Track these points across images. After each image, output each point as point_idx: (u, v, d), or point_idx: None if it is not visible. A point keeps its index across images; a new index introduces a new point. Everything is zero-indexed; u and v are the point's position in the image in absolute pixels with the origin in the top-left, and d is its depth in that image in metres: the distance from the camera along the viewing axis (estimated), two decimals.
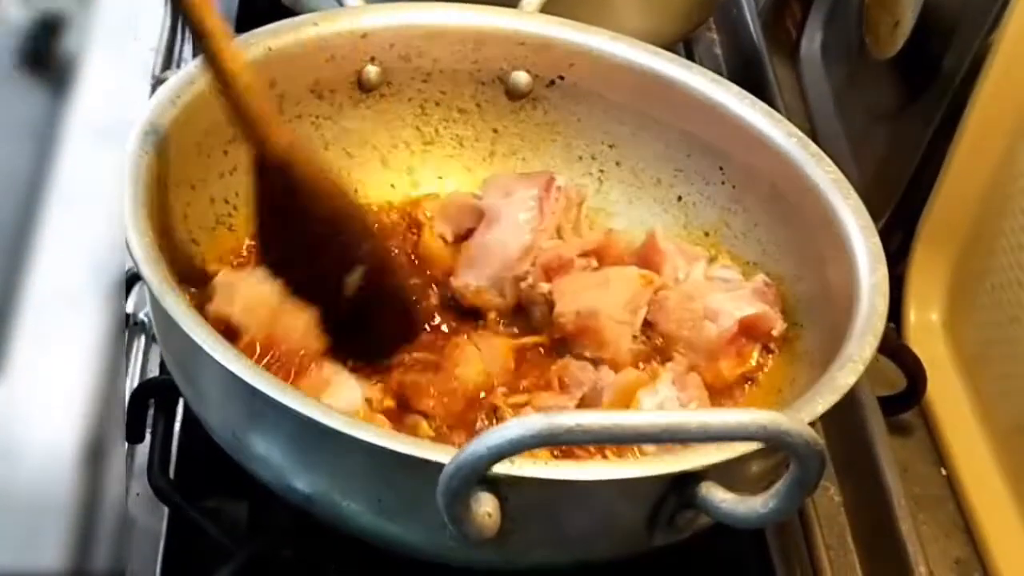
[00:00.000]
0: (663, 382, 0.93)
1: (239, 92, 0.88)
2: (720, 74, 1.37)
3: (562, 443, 0.71)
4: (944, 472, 1.09)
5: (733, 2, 1.44)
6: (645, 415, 0.80)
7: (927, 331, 1.16)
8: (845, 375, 0.82)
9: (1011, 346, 1.07)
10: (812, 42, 1.41)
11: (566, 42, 1.05)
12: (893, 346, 1.10)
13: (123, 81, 1.18)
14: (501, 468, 0.71)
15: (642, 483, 0.77)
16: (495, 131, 1.09)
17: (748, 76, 1.37)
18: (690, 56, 1.41)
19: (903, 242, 1.17)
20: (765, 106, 1.02)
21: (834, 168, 0.97)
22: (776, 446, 0.72)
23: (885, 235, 1.16)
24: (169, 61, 1.27)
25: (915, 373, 1.10)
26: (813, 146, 0.99)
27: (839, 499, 1.04)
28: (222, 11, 1.31)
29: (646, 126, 1.06)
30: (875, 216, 1.17)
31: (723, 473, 0.76)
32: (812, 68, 1.40)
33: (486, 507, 0.73)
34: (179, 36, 1.30)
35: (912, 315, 1.17)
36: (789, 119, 1.30)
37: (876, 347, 0.84)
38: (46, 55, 1.21)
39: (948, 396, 1.12)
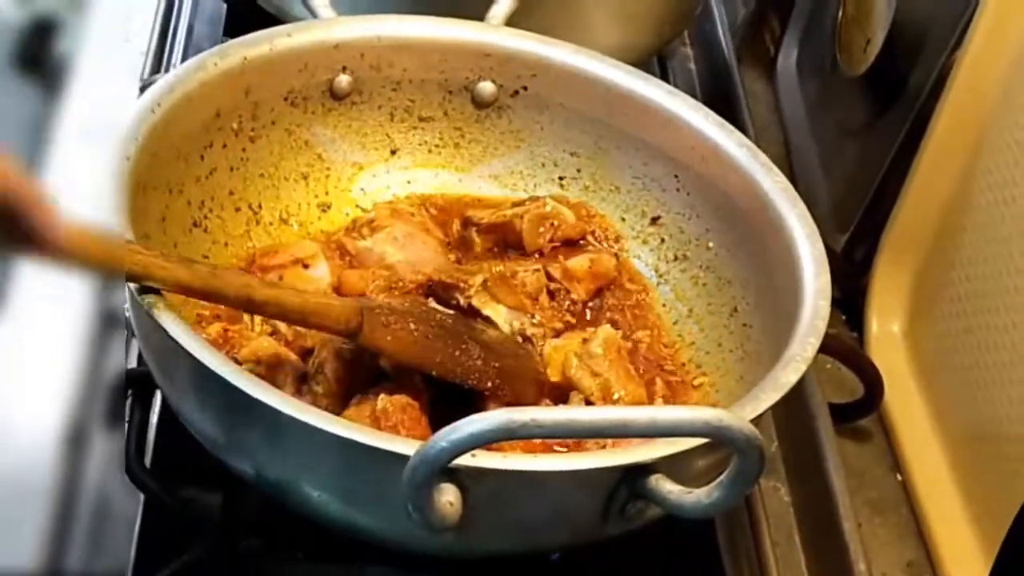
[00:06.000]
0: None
1: (271, 310, 0.87)
2: (693, 87, 1.39)
3: (518, 437, 0.72)
4: (899, 477, 1.11)
5: (706, 17, 1.45)
6: (597, 410, 0.82)
7: (888, 341, 1.17)
8: (787, 374, 0.84)
9: (966, 356, 1.08)
10: (788, 58, 1.42)
11: (529, 54, 1.07)
12: (853, 355, 1.12)
13: (113, 84, 1.21)
14: (462, 460, 0.73)
15: (594, 474, 0.79)
16: (461, 138, 1.11)
17: (720, 90, 1.38)
18: (664, 70, 1.42)
19: (867, 254, 1.18)
20: (718, 118, 1.04)
21: (782, 178, 0.99)
22: (719, 441, 0.74)
23: (851, 246, 1.19)
24: (158, 65, 1.27)
25: (872, 382, 1.11)
26: (763, 156, 1.01)
27: (788, 499, 1.06)
28: (209, 20, 1.34)
29: (606, 135, 1.08)
30: (842, 228, 1.19)
31: (672, 466, 0.79)
32: (787, 83, 1.41)
33: (448, 497, 0.75)
34: (168, 40, 1.31)
35: (874, 325, 1.18)
36: (764, 131, 1.32)
37: (817, 347, 0.86)
38: (40, 56, 1.24)
39: (906, 404, 1.13)
